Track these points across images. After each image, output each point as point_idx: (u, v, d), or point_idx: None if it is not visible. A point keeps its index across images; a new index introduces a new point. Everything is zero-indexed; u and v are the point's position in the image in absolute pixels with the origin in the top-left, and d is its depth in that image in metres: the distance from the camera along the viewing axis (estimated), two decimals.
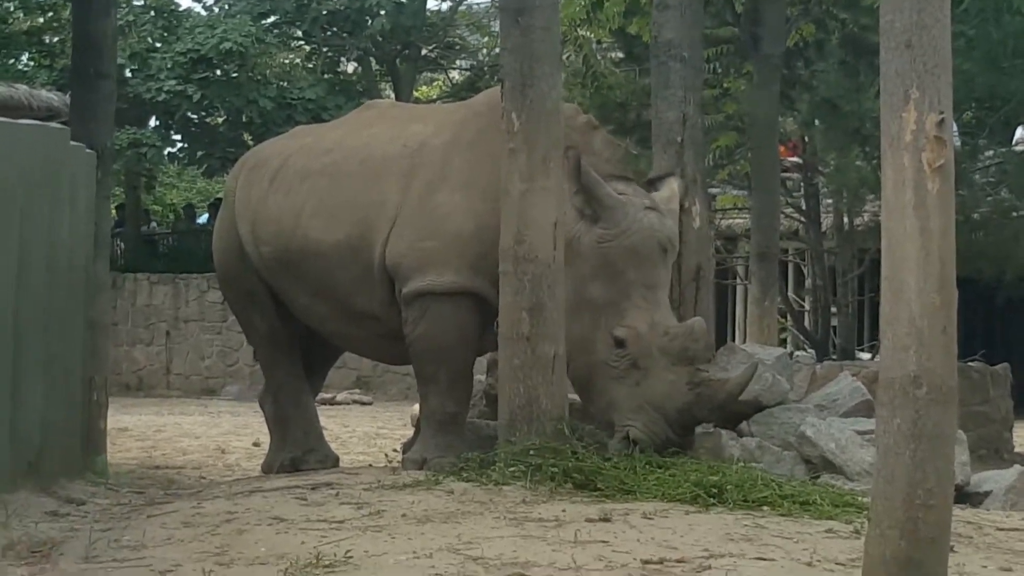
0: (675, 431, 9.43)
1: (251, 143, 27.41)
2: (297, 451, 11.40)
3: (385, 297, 10.46)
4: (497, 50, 30.39)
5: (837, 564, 6.59)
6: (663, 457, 9.18)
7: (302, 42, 35.24)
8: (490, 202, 9.95)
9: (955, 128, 9.64)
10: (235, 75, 30.85)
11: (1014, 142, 18.69)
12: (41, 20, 32.74)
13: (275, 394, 11.69)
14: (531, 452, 8.90)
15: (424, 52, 35.26)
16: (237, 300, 11.93)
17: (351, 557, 6.62)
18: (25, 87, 21.37)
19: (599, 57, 19.96)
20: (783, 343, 20.48)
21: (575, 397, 9.95)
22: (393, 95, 33.49)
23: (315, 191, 10.89)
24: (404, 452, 10.70)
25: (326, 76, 34.00)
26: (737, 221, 25.21)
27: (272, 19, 33.29)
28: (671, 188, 10.42)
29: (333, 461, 11.49)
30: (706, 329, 9.87)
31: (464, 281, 10.10)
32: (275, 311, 11.44)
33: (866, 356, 20.26)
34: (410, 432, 12.64)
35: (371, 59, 34.80)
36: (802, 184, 20.35)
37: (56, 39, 32.11)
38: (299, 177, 11.07)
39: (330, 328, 11.21)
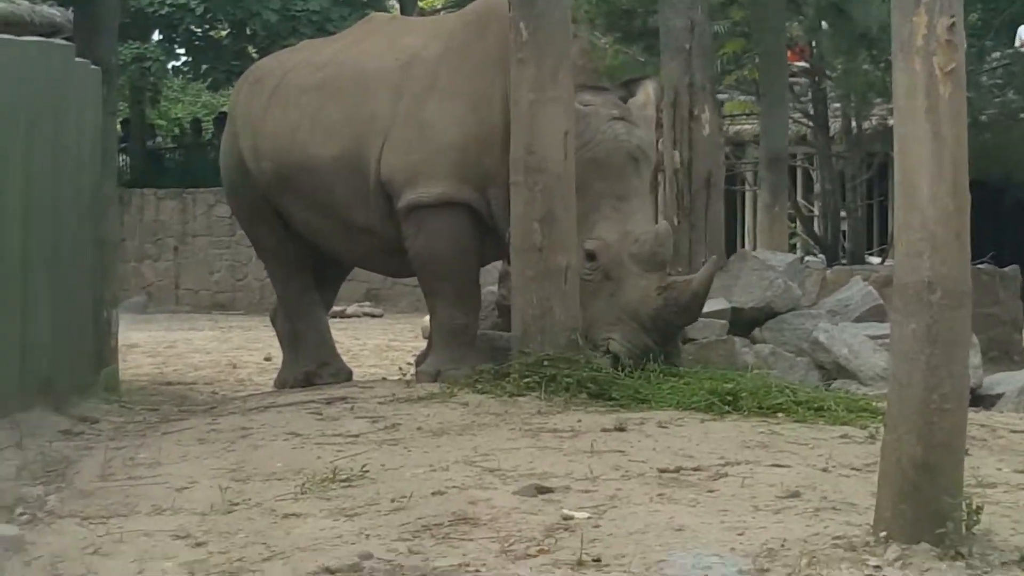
0: (653, 339, 9.41)
1: (255, 56, 27.22)
2: (310, 365, 11.40)
3: (383, 211, 10.43)
4: None
5: (853, 469, 6.61)
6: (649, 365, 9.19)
7: None
8: (478, 112, 9.96)
9: None
10: None
11: (1017, 43, 18.59)
12: None
13: (286, 309, 11.69)
14: (545, 363, 8.92)
15: None
16: (244, 215, 11.92)
17: (367, 471, 6.64)
18: (27, 3, 21.19)
19: None
20: (793, 248, 20.43)
21: None
22: (398, 6, 33.21)
23: (311, 106, 10.85)
24: (417, 365, 10.70)
25: None
26: (745, 127, 25.06)
27: None
28: (646, 93, 10.35)
29: (347, 375, 11.50)
30: (671, 232, 9.84)
31: (454, 192, 10.07)
32: (282, 226, 11.41)
33: (876, 260, 20.27)
34: (422, 344, 12.65)
35: None
36: (810, 89, 20.24)
37: None
38: (296, 92, 11.03)
39: (331, 243, 11.18)
